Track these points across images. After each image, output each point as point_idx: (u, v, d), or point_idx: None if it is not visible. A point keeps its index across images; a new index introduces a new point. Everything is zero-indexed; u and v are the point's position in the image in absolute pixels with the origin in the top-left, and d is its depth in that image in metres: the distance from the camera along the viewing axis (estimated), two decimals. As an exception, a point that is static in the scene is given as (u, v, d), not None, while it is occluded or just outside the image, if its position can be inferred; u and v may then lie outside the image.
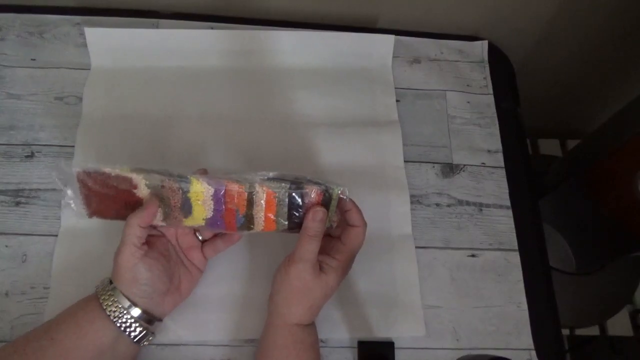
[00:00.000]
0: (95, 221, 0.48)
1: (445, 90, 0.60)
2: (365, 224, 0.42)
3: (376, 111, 0.56)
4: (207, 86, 0.56)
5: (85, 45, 0.57)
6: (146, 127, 0.53)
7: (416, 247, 0.51)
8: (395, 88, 0.59)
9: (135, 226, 0.38)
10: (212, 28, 0.59)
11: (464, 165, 0.56)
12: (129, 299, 0.38)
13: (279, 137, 0.54)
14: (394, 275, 0.49)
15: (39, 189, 0.50)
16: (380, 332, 0.46)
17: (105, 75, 0.56)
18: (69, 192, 0.40)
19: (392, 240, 0.50)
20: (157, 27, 0.59)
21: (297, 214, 0.39)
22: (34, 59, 0.57)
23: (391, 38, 0.59)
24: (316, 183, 0.39)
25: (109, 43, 0.56)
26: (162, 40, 0.57)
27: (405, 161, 0.54)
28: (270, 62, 0.58)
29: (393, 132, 0.55)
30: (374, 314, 0.47)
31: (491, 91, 0.60)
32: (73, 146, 0.52)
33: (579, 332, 0.85)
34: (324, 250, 0.41)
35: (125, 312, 0.38)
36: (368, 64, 0.59)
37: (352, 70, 0.58)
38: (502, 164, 0.56)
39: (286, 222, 0.40)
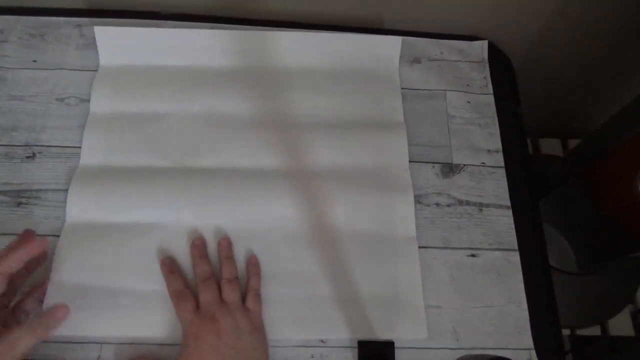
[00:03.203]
0: (100, 217, 0.49)
1: (445, 90, 0.60)
2: None
3: (382, 113, 0.56)
4: (215, 86, 0.56)
5: (86, 46, 0.57)
6: (153, 126, 0.53)
7: (416, 247, 0.51)
8: (396, 88, 0.59)
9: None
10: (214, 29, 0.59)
11: (464, 165, 0.56)
12: None
13: (285, 138, 0.54)
14: (397, 277, 0.49)
15: (40, 190, 0.50)
16: (382, 334, 0.46)
17: (114, 73, 0.56)
18: None
19: (396, 243, 0.50)
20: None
21: None
22: (35, 61, 0.57)
23: (398, 40, 0.59)
24: None
25: (118, 42, 0.56)
26: (171, 39, 0.57)
27: (405, 161, 0.55)
28: (277, 63, 0.58)
29: (399, 134, 0.55)
30: (375, 315, 0.47)
31: (491, 91, 0.60)
32: (74, 147, 0.52)
33: (580, 332, 0.85)
34: None
35: None
36: (374, 66, 0.59)
37: (358, 71, 0.58)
38: (502, 164, 0.56)
39: None
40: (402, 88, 0.59)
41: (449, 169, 0.55)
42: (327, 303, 0.47)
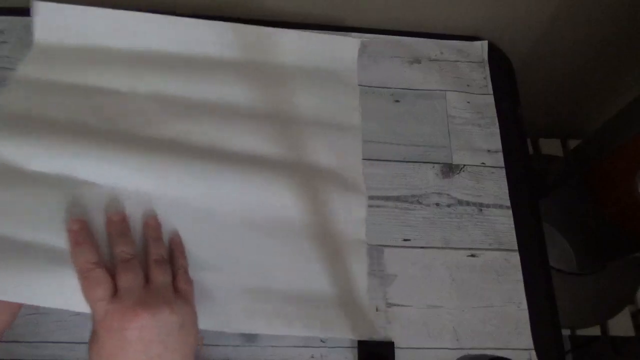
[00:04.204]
0: (14, 159, 0.43)
1: (445, 90, 0.60)
2: None
3: (339, 114, 0.56)
4: (162, 71, 0.53)
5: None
6: (93, 95, 0.50)
7: (416, 247, 0.51)
8: (395, 88, 0.59)
9: None
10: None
11: (464, 165, 0.56)
12: None
13: (240, 126, 0.51)
14: (346, 278, 0.48)
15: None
16: (332, 332, 0.45)
17: (49, 50, 0.53)
18: None
19: (347, 244, 0.49)
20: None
21: None
22: (36, 61, 0.57)
23: (356, 42, 0.58)
24: None
25: (59, 19, 0.54)
26: (116, 20, 0.54)
27: (405, 161, 0.55)
28: (232, 55, 0.56)
29: (355, 136, 0.54)
30: (325, 313, 0.45)
31: (491, 91, 0.60)
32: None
33: (580, 332, 0.85)
34: None
35: None
36: (333, 66, 0.58)
37: (317, 70, 0.57)
38: (502, 164, 0.56)
39: None
40: (402, 88, 0.59)
41: (449, 169, 0.55)
42: (279, 296, 0.45)
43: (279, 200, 0.49)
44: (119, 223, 0.41)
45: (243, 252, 0.46)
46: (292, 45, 0.57)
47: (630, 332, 0.86)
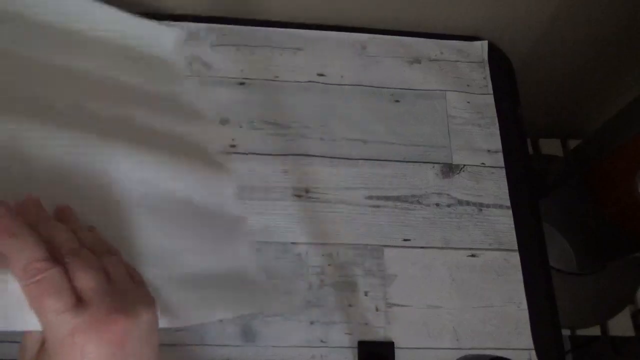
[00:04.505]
0: None
1: (445, 91, 0.60)
2: None
3: (179, 100, 0.54)
4: None
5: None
6: None
7: (416, 247, 0.51)
8: (395, 88, 0.59)
9: None
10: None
11: (464, 165, 0.56)
12: None
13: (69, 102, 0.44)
14: (235, 255, 0.47)
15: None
16: (237, 311, 0.44)
17: None
18: None
19: (229, 222, 0.49)
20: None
21: None
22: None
23: (172, 31, 0.56)
24: None
25: None
26: None
27: (405, 161, 0.55)
28: (57, 25, 0.49)
29: (203, 121, 0.53)
30: (221, 294, 0.43)
31: (491, 91, 0.60)
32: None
33: (580, 332, 0.85)
34: None
35: None
36: (158, 54, 0.55)
37: (147, 55, 0.54)
38: (502, 164, 0.56)
39: None
40: (402, 88, 0.59)
41: (449, 169, 0.55)
42: (190, 283, 0.40)
43: (160, 181, 0.44)
44: (37, 208, 0.30)
45: (141, 239, 0.39)
46: (117, 23, 0.53)
47: (630, 332, 0.86)
